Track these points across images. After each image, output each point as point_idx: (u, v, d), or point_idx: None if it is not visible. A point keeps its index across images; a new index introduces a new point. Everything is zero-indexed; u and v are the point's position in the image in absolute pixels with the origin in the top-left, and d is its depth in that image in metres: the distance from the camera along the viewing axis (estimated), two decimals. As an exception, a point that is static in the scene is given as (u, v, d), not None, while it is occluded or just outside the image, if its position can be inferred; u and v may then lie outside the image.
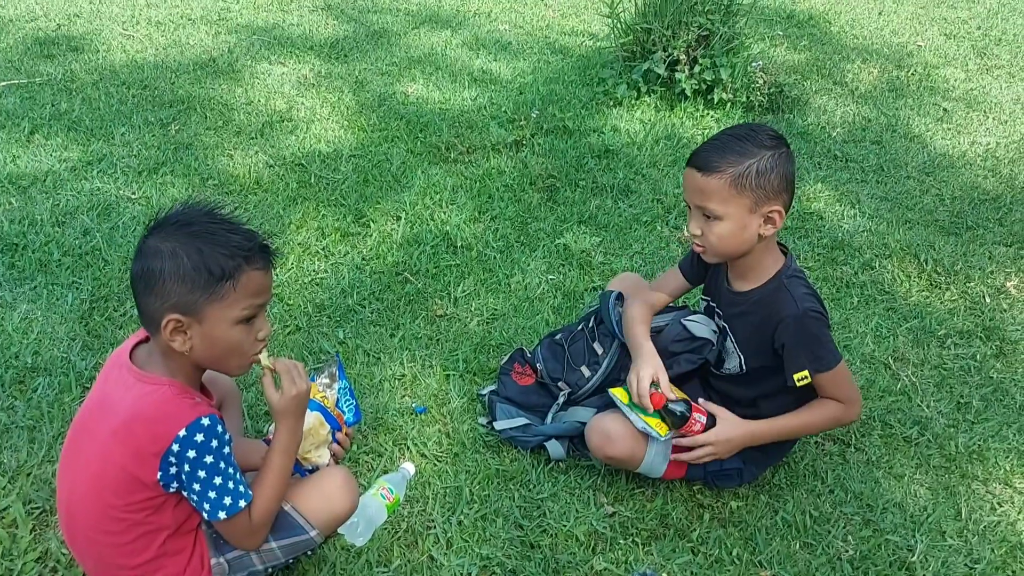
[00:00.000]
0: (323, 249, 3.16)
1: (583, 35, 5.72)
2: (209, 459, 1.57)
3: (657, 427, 2.06)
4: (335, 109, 4.32)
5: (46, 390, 2.37)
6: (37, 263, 2.92)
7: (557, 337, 2.50)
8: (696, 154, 2.04)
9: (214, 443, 1.58)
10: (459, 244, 3.25)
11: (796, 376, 2.04)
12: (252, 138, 3.96)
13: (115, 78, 4.48)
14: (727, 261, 2.15)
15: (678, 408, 2.06)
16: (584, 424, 2.25)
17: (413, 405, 2.44)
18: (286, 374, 1.70)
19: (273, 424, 1.73)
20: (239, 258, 1.59)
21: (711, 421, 2.10)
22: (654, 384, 2.08)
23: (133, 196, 3.41)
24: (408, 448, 2.29)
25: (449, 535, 2.05)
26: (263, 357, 1.70)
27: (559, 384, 2.39)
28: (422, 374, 2.57)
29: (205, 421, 1.57)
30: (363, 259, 3.13)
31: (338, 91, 4.53)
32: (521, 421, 2.32)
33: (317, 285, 2.96)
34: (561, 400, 2.38)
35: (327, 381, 1.94)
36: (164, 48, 4.96)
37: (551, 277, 3.10)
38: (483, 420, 2.41)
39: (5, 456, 2.15)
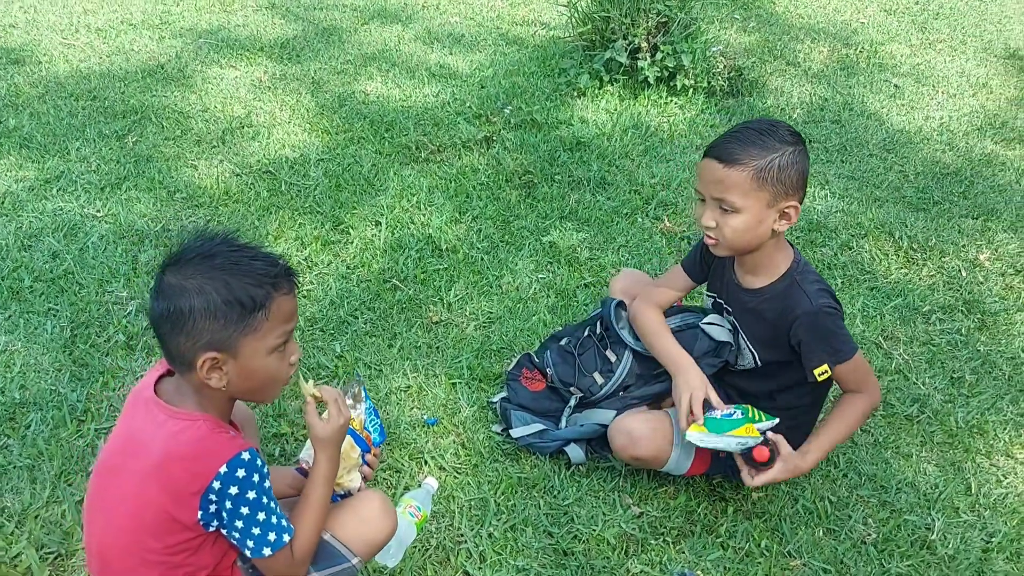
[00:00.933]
0: (306, 259, 3.08)
1: (535, 24, 5.68)
2: (252, 495, 1.52)
3: (747, 432, 2.02)
4: (295, 112, 4.22)
5: (40, 426, 2.26)
6: (8, 291, 2.79)
7: (564, 343, 2.48)
8: (717, 145, 2.01)
9: (255, 478, 1.52)
10: (443, 247, 3.20)
11: (816, 371, 2.05)
12: (214, 147, 3.84)
13: (61, 90, 4.30)
14: (736, 256, 2.15)
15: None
16: (603, 426, 2.23)
17: (424, 417, 2.40)
18: (333, 403, 1.65)
19: (305, 451, 1.68)
20: (267, 286, 1.53)
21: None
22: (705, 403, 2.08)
23: (98, 214, 3.27)
24: (426, 462, 2.25)
25: (481, 549, 2.02)
26: (309, 386, 1.64)
27: (571, 389, 2.37)
28: (428, 384, 2.53)
29: (245, 456, 1.51)
30: (348, 268, 3.06)
31: (295, 93, 4.41)
32: (537, 427, 2.29)
33: (305, 297, 2.88)
34: (573, 403, 2.36)
35: (351, 402, 1.89)
36: (108, 56, 4.77)
37: (541, 276, 3.08)
38: (497, 428, 2.38)
39: (7, 499, 2.05)
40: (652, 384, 2.28)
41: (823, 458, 2.09)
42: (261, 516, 1.54)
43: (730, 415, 2.07)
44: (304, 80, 4.58)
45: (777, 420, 2.10)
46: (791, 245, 2.15)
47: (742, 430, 2.02)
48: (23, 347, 2.56)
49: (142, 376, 2.34)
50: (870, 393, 2.10)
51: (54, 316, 2.70)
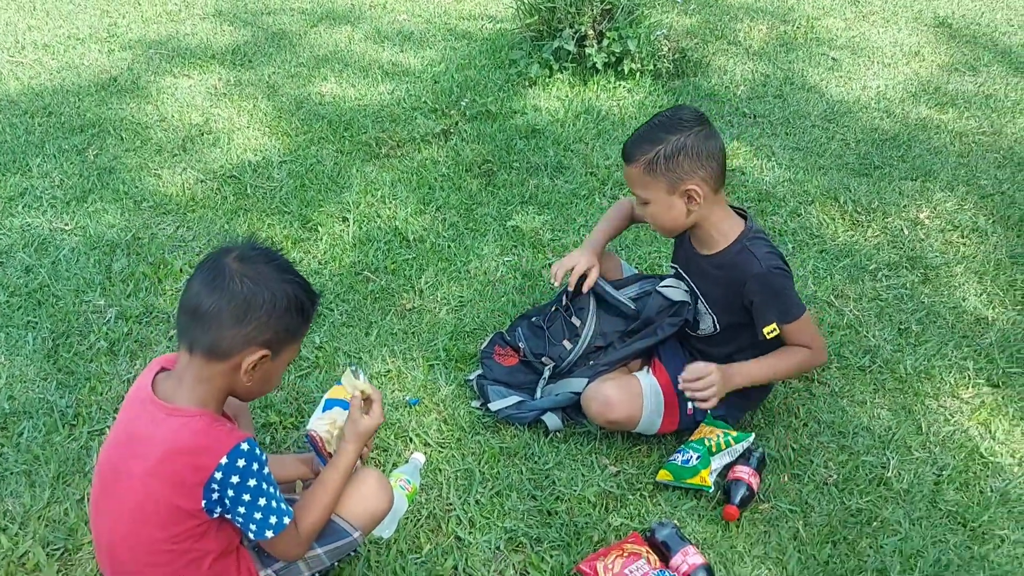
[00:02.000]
0: (277, 258, 3.15)
1: (482, 18, 5.79)
2: (252, 482, 1.61)
3: (700, 481, 2.19)
4: (253, 117, 4.28)
5: (32, 432, 2.33)
6: (-15, 307, 2.84)
7: (534, 319, 2.60)
8: (623, 146, 2.20)
9: (255, 466, 1.61)
10: (411, 238, 3.30)
11: (766, 330, 2.20)
12: (175, 155, 3.89)
13: (14, 107, 4.31)
14: (684, 232, 2.30)
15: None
16: (576, 394, 2.36)
17: (406, 398, 2.50)
18: (378, 403, 1.77)
19: (313, 420, 1.78)
20: (312, 300, 1.64)
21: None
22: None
23: (67, 227, 3.32)
24: (411, 439, 2.36)
25: (470, 515, 2.14)
26: (357, 380, 1.75)
27: (543, 359, 2.49)
28: (406, 367, 2.64)
29: (244, 446, 1.60)
30: (319, 263, 3.15)
31: (252, 98, 4.47)
32: (514, 399, 2.41)
33: (280, 294, 2.96)
34: (547, 373, 2.48)
35: (349, 386, 2.00)
36: (58, 71, 4.79)
37: (507, 259, 3.20)
38: (476, 403, 2.49)
39: (8, 503, 2.11)
40: (619, 349, 2.41)
41: (746, 384, 2.23)
42: (262, 501, 1.63)
43: (687, 461, 2.22)
44: (259, 85, 4.64)
45: (752, 436, 2.30)
46: (742, 213, 2.29)
47: (696, 479, 2.19)
48: (6, 360, 2.61)
49: (130, 379, 2.43)
50: (815, 352, 2.24)
51: (34, 328, 2.75)
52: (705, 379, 2.12)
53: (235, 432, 1.62)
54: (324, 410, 1.93)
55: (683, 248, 2.38)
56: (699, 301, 2.34)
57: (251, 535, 1.63)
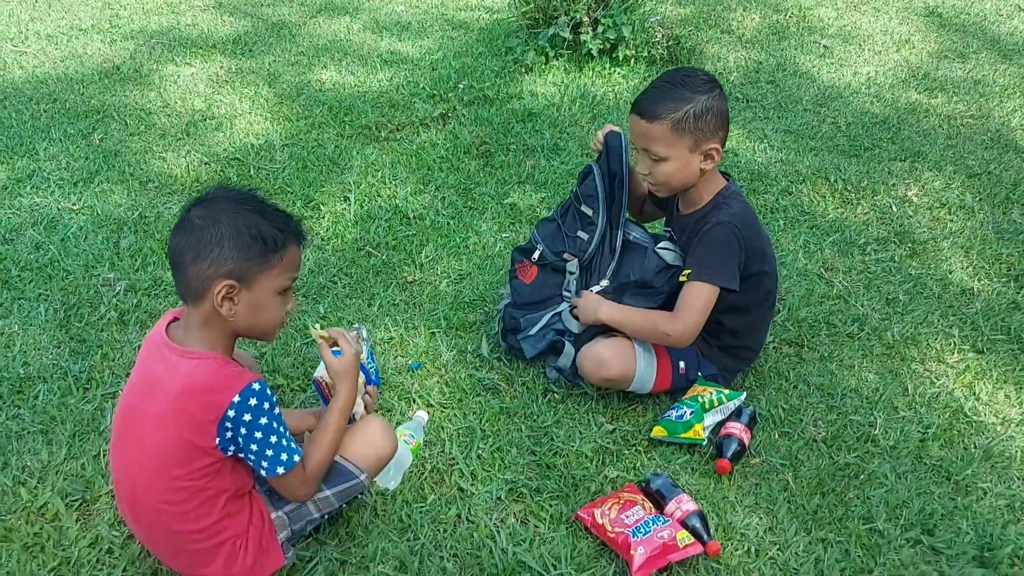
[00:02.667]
0: (281, 235, 3.23)
1: (478, 9, 5.87)
2: (263, 420, 1.69)
3: (695, 435, 2.26)
4: (255, 103, 4.35)
5: (48, 395, 2.40)
6: (-3, 281, 2.91)
7: (549, 215, 2.66)
8: (638, 102, 2.25)
9: (266, 405, 1.69)
10: (411, 215, 3.38)
11: (684, 273, 2.27)
12: (179, 139, 3.97)
13: (20, 95, 4.38)
14: (677, 193, 2.38)
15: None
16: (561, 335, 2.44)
17: (409, 363, 2.58)
18: (341, 338, 1.84)
19: (320, 369, 1.86)
20: (287, 232, 1.72)
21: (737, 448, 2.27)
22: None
23: (74, 207, 3.40)
24: (414, 400, 2.44)
25: (472, 468, 2.22)
26: (316, 329, 1.82)
27: (564, 256, 2.54)
28: (408, 335, 2.71)
29: (256, 386, 1.68)
30: (322, 239, 3.23)
31: (253, 85, 4.55)
32: (544, 319, 2.48)
33: (284, 268, 3.03)
34: (574, 269, 2.51)
35: (354, 339, 2.08)
36: (62, 60, 4.86)
37: (504, 235, 3.28)
38: (487, 352, 2.58)
39: (27, 459, 2.19)
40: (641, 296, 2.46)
41: (609, 319, 2.36)
42: (273, 439, 1.71)
43: (681, 416, 2.30)
44: (260, 73, 4.71)
45: (744, 395, 2.38)
46: (727, 176, 2.38)
47: (690, 433, 2.27)
48: (20, 329, 2.69)
49: (141, 346, 2.51)
50: (676, 320, 2.25)
51: (45, 300, 2.83)
52: (584, 294, 2.38)
53: (246, 373, 1.70)
54: (330, 362, 2.01)
55: (671, 209, 2.47)
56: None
57: (263, 472, 1.71)
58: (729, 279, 2.22)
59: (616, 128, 2.48)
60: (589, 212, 2.50)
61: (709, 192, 2.31)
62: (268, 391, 1.70)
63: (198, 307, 1.71)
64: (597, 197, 2.48)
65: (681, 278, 2.26)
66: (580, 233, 2.52)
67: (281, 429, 1.73)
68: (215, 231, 1.66)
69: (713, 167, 2.26)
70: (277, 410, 1.73)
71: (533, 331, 2.48)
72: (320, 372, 2.02)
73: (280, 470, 1.72)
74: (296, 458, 1.74)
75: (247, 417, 1.67)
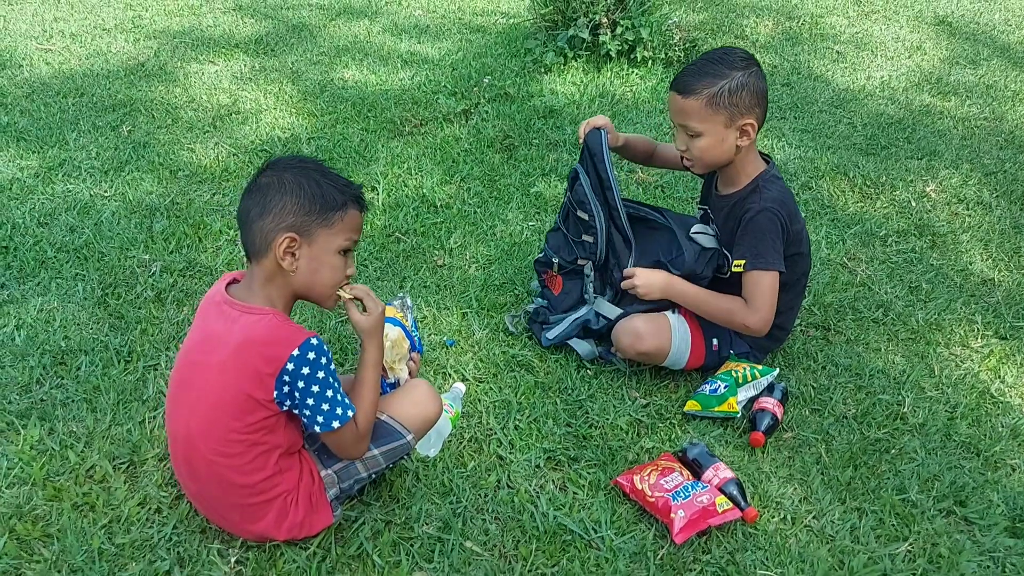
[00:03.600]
0: (311, 221, 3.28)
1: (495, 14, 5.95)
2: (321, 375, 1.73)
3: (728, 408, 2.31)
4: (279, 99, 4.42)
5: (90, 367, 2.44)
6: (34, 261, 2.95)
7: (554, 224, 2.70)
8: (677, 78, 2.31)
9: (323, 360, 1.73)
10: (438, 204, 3.43)
11: (735, 263, 2.31)
12: (206, 132, 4.03)
13: (47, 89, 4.44)
14: (716, 171, 2.43)
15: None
16: (606, 319, 2.48)
17: (444, 340, 2.62)
18: (367, 296, 1.88)
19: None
20: (348, 195, 1.79)
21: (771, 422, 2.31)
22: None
23: (106, 193, 3.44)
24: (450, 374, 2.48)
25: (510, 438, 2.25)
26: (344, 291, 1.86)
27: (578, 262, 2.57)
28: (440, 315, 2.75)
29: (314, 341, 1.72)
30: (352, 226, 3.27)
31: (277, 83, 4.61)
32: (570, 319, 2.52)
33: (315, 253, 3.08)
34: (588, 271, 2.54)
35: (399, 306, 2.12)
36: (87, 58, 4.92)
37: (531, 223, 3.32)
38: (512, 326, 2.64)
39: (73, 426, 2.22)
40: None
41: (680, 296, 2.39)
42: (329, 393, 1.75)
43: (715, 390, 2.34)
44: (283, 71, 4.78)
45: (776, 371, 2.42)
46: (768, 159, 2.42)
47: (724, 406, 2.31)
48: (59, 305, 2.73)
49: (179, 322, 2.55)
50: (753, 310, 2.29)
51: (83, 280, 2.87)
52: (634, 279, 2.37)
53: (304, 329, 1.74)
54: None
55: (709, 188, 2.52)
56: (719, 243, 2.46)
57: (317, 428, 1.75)
58: (781, 262, 2.29)
59: (600, 122, 2.51)
60: (586, 217, 2.53)
61: (747, 174, 2.36)
62: (325, 347, 1.75)
63: (261, 263, 1.76)
64: (589, 202, 2.51)
65: (734, 268, 2.30)
66: (585, 237, 2.54)
67: (336, 385, 1.77)
68: (279, 188, 1.73)
69: (749, 144, 2.30)
70: (333, 366, 1.77)
71: (554, 332, 2.53)
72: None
73: (336, 424, 1.75)
74: (350, 413, 1.78)
75: (305, 371, 1.71)
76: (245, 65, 4.84)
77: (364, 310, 1.88)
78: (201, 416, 1.75)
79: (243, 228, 1.79)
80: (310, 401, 1.74)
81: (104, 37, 5.27)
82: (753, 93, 2.25)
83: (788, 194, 2.38)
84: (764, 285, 2.28)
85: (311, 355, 1.71)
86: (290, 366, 1.70)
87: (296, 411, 1.76)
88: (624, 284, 2.42)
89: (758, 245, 2.29)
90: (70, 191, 3.44)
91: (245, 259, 1.82)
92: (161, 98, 4.36)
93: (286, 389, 1.72)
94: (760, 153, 2.43)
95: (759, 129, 2.34)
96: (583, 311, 2.54)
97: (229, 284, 1.85)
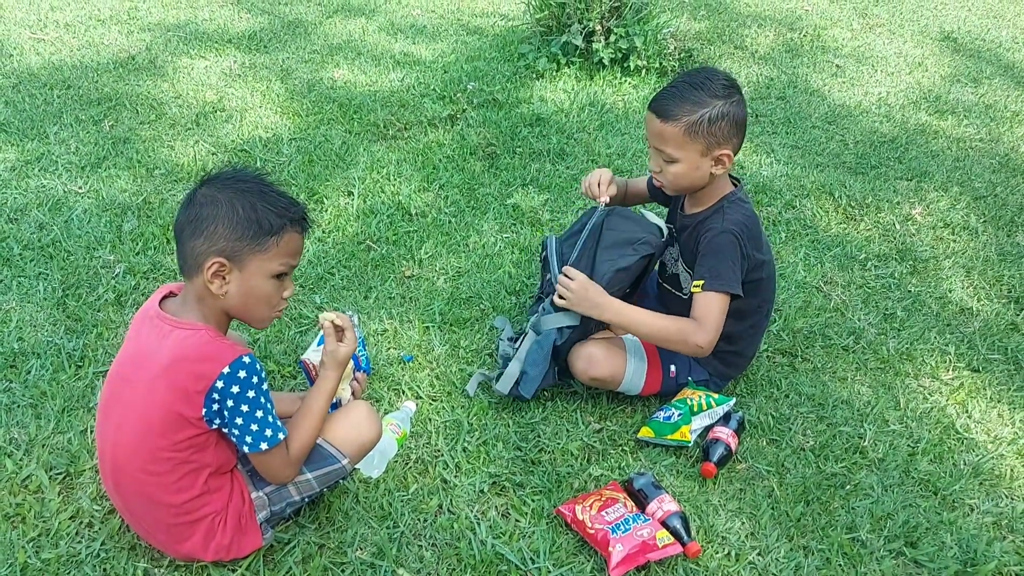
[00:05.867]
0: (283, 226, 3.25)
1: (494, 16, 5.90)
2: (251, 394, 1.69)
3: (681, 436, 2.27)
4: (266, 97, 4.39)
5: (40, 371, 2.42)
6: (-1, 259, 2.94)
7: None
8: (656, 100, 2.25)
9: (255, 380, 1.70)
10: (413, 212, 3.40)
11: (694, 283, 2.25)
12: (188, 129, 4.00)
13: (35, 80, 4.43)
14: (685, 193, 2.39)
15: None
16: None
17: (401, 355, 2.59)
18: (350, 329, 1.86)
19: (309, 351, 1.87)
20: (285, 219, 1.74)
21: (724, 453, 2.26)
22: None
23: (80, 190, 3.42)
24: (403, 392, 2.44)
25: (456, 460, 2.22)
26: (328, 314, 1.86)
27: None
28: (402, 328, 2.72)
29: (246, 359, 1.69)
30: (323, 232, 3.24)
31: (265, 80, 4.58)
32: (515, 370, 2.37)
33: (283, 258, 3.05)
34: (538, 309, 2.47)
35: None
36: (79, 49, 4.90)
37: (505, 236, 3.28)
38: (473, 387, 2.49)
39: (14, 432, 2.20)
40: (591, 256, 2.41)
41: (612, 319, 2.28)
42: (259, 414, 1.71)
43: (669, 418, 2.30)
44: (273, 68, 4.75)
45: (733, 400, 2.37)
46: (736, 181, 2.37)
47: (677, 434, 2.27)
48: (17, 305, 2.71)
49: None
50: (704, 330, 2.19)
51: (45, 279, 2.85)
52: (571, 282, 2.26)
53: (237, 346, 1.71)
54: (319, 344, 2.02)
55: (675, 207, 2.47)
56: (679, 262, 2.42)
57: (246, 448, 1.72)
58: (735, 285, 2.22)
59: (607, 177, 2.47)
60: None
61: (714, 196, 2.31)
62: (258, 366, 1.71)
63: (193, 282, 1.74)
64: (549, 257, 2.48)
65: (693, 289, 2.25)
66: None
67: (268, 406, 1.74)
68: (213, 209, 1.69)
69: (723, 172, 2.26)
70: (265, 386, 1.74)
71: (530, 385, 2.36)
72: (308, 355, 2.03)
73: (264, 446, 1.72)
74: (280, 436, 1.75)
75: (235, 389, 1.67)
76: (235, 61, 4.81)
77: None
78: (128, 432, 1.73)
79: (177, 244, 1.76)
80: (239, 420, 1.70)
81: (98, 28, 5.25)
82: (732, 123, 2.20)
83: (753, 218, 2.33)
84: (717, 304, 2.22)
85: (242, 373, 1.68)
86: (219, 384, 1.67)
87: (225, 430, 1.73)
88: (559, 281, 2.30)
89: (717, 266, 2.24)
90: (44, 186, 3.42)
91: (180, 273, 1.79)
92: (148, 93, 4.34)
93: (215, 407, 1.69)
94: (730, 177, 2.38)
95: (735, 157, 2.29)
96: (529, 341, 2.40)
97: (165, 297, 1.82)
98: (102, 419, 1.80)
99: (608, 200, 2.44)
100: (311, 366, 2.02)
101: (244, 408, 1.69)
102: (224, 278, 1.71)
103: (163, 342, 1.71)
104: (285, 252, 1.77)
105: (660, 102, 2.23)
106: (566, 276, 2.30)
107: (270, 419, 1.73)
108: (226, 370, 1.66)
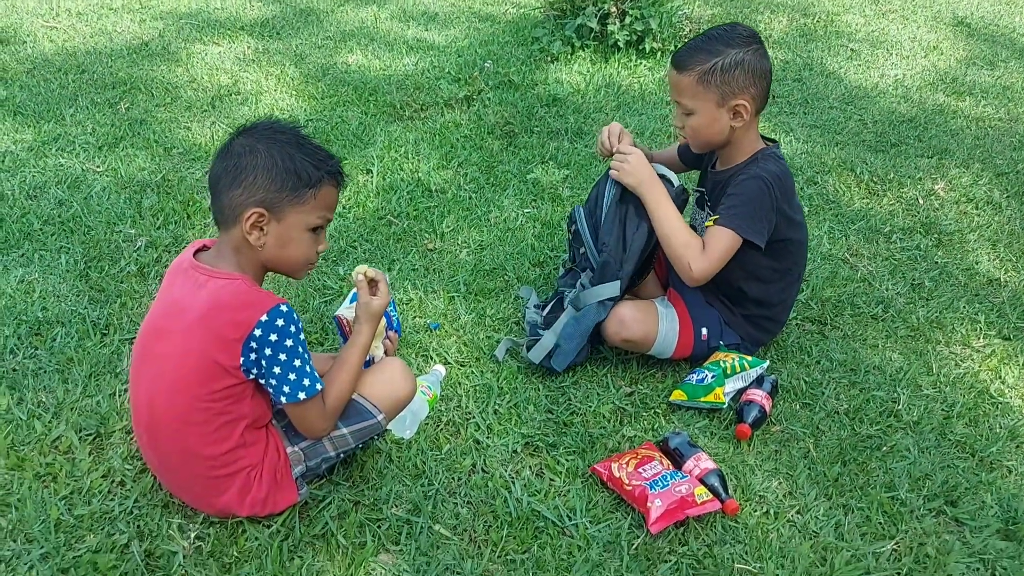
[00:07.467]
0: (303, 201, 3.22)
1: (506, 3, 5.89)
2: (289, 343, 1.67)
3: (715, 398, 2.24)
4: (280, 81, 4.37)
5: (65, 338, 2.40)
6: (19, 233, 2.92)
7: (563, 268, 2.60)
8: (674, 54, 2.23)
9: (292, 328, 1.68)
10: (433, 189, 3.37)
11: (711, 219, 2.22)
12: (204, 111, 3.98)
13: (49, 66, 4.42)
14: (714, 150, 2.36)
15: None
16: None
17: (428, 323, 2.56)
18: (383, 283, 1.84)
19: (343, 308, 1.84)
20: (323, 171, 1.72)
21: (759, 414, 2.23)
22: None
23: (99, 169, 3.40)
24: (432, 357, 2.42)
25: (488, 422, 2.19)
26: (365, 268, 1.86)
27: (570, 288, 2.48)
28: (427, 298, 2.70)
29: (284, 308, 1.67)
30: (344, 208, 3.22)
31: (279, 65, 4.57)
32: (550, 341, 2.33)
33: (305, 233, 3.03)
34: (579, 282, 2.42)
35: None
36: (91, 36, 4.89)
37: (526, 210, 3.26)
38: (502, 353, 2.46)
39: (42, 396, 2.18)
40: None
41: (649, 199, 2.26)
42: (297, 363, 1.69)
43: (702, 380, 2.27)
44: (287, 54, 4.73)
45: (766, 363, 2.33)
46: (769, 140, 2.34)
47: (711, 396, 2.24)
48: (40, 277, 2.69)
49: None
50: (701, 257, 2.17)
51: (66, 252, 2.83)
52: (628, 154, 2.27)
53: (274, 295, 1.68)
54: (351, 301, 2.00)
55: (705, 168, 2.44)
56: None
57: (283, 399, 1.69)
58: (754, 232, 2.17)
59: (616, 129, 2.41)
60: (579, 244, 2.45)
61: (745, 152, 2.28)
62: (295, 315, 1.69)
63: (230, 233, 1.71)
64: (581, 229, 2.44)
65: (707, 224, 2.23)
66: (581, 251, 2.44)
67: (305, 356, 1.71)
68: (251, 159, 1.66)
69: (746, 125, 2.22)
70: (302, 336, 1.71)
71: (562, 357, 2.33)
72: (342, 311, 2.01)
73: (302, 395, 1.70)
74: (318, 386, 1.73)
75: (273, 337, 1.65)
76: (249, 47, 4.79)
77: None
78: (166, 382, 1.70)
79: (213, 195, 1.74)
80: (276, 370, 1.68)
81: (110, 16, 5.24)
82: (749, 72, 2.16)
83: (786, 173, 2.29)
84: (723, 241, 2.18)
85: (280, 322, 1.66)
86: (257, 332, 1.64)
87: (262, 380, 1.71)
88: (616, 157, 2.31)
89: (736, 205, 2.20)
90: (62, 165, 3.40)
91: (215, 225, 1.77)
92: (162, 77, 4.33)
93: (253, 356, 1.67)
94: (765, 137, 2.35)
95: (759, 110, 2.26)
96: (567, 315, 2.35)
97: (198, 251, 1.79)
98: (136, 373, 1.78)
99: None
100: (345, 322, 2.00)
101: (282, 356, 1.67)
102: (263, 229, 1.69)
103: (199, 291, 1.69)
104: (322, 205, 1.75)
105: (677, 55, 2.23)
106: (623, 153, 2.29)
107: (308, 368, 1.71)
108: (264, 318, 1.64)
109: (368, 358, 1.98)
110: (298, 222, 1.73)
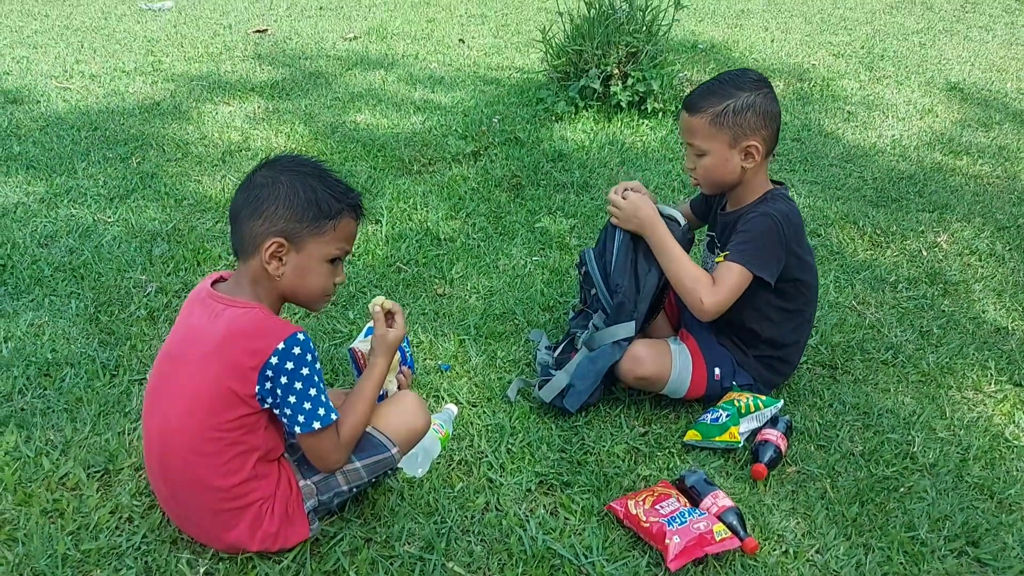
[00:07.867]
0: (312, 250, 3.25)
1: (509, 69, 6.02)
2: (305, 371, 1.67)
3: (730, 438, 2.23)
4: (290, 138, 4.44)
5: (74, 379, 2.38)
6: (30, 279, 2.93)
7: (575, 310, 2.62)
8: (687, 96, 2.29)
9: (309, 357, 1.67)
10: (442, 237, 3.40)
11: (721, 254, 2.25)
12: (215, 165, 4.04)
13: (62, 123, 4.49)
14: (724, 192, 2.39)
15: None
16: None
17: (439, 364, 2.55)
18: (400, 315, 1.84)
19: (358, 341, 1.84)
20: (344, 203, 1.74)
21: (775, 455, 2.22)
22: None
23: (109, 219, 3.43)
24: (443, 398, 2.40)
25: (501, 461, 2.16)
26: (380, 299, 1.87)
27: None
28: (438, 340, 2.69)
29: (300, 336, 1.67)
30: (353, 255, 3.24)
31: (289, 123, 4.65)
32: (563, 380, 2.33)
33: (314, 280, 3.04)
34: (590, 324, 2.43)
35: None
36: (104, 97, 4.99)
37: (535, 258, 3.28)
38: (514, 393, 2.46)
39: (50, 434, 2.16)
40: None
41: (653, 239, 2.30)
42: (312, 392, 1.68)
43: (717, 419, 2.26)
44: (296, 113, 4.82)
45: (780, 402, 2.33)
46: (778, 183, 2.38)
47: (726, 435, 2.23)
48: (49, 320, 2.69)
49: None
50: (713, 291, 2.18)
51: (77, 297, 2.83)
52: (630, 194, 2.33)
53: (291, 324, 1.68)
54: (366, 335, 2.00)
55: (715, 212, 2.47)
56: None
57: (298, 428, 1.67)
58: (763, 268, 2.19)
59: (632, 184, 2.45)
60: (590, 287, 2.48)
61: (754, 193, 2.31)
62: (311, 344, 1.69)
63: (248, 263, 1.72)
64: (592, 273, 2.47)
65: (717, 259, 2.24)
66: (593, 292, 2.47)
67: (321, 385, 1.71)
68: (273, 190, 1.69)
69: (757, 167, 2.26)
70: (318, 366, 1.71)
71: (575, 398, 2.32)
72: (358, 343, 2.01)
73: (316, 425, 1.68)
74: (333, 416, 1.72)
75: (289, 365, 1.65)
76: (259, 107, 4.88)
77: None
78: (179, 411, 1.69)
79: (233, 225, 1.76)
80: (292, 399, 1.67)
81: (123, 79, 5.35)
82: (760, 114, 2.22)
83: (796, 213, 2.32)
84: (733, 275, 2.20)
85: (296, 350, 1.66)
86: (274, 360, 1.64)
87: (277, 410, 1.70)
88: (610, 196, 2.37)
89: (745, 242, 2.22)
90: (73, 215, 3.43)
91: (233, 256, 1.78)
92: (173, 134, 4.40)
93: (268, 385, 1.66)
94: (773, 180, 2.38)
95: (769, 152, 2.30)
96: (580, 356, 2.36)
97: (215, 282, 1.80)
98: (149, 402, 1.76)
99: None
100: (360, 354, 2.00)
101: (297, 385, 1.66)
102: (281, 259, 1.70)
103: (216, 320, 1.69)
104: (342, 236, 1.77)
105: (689, 97, 2.28)
106: (617, 196, 2.36)
107: (323, 398, 1.70)
108: (281, 346, 1.64)
109: (382, 392, 1.97)
110: (317, 253, 1.74)
